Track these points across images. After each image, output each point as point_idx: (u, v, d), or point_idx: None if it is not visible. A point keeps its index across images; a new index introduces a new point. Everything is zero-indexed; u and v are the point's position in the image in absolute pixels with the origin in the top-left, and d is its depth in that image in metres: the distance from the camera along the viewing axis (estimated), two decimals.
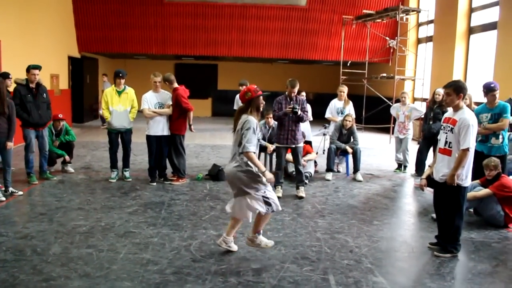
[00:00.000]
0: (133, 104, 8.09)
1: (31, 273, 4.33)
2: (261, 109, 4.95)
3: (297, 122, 7.29)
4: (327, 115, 9.79)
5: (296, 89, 7.28)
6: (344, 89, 9.74)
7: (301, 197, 7.34)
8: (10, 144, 6.80)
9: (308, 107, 9.49)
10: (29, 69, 7.53)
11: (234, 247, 5.00)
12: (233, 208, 4.92)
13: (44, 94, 7.76)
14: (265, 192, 4.78)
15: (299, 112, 7.11)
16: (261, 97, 4.94)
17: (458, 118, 4.90)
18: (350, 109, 9.61)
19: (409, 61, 16.57)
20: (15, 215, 6.19)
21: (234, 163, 4.79)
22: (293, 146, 7.39)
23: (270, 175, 4.73)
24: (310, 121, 9.66)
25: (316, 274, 4.52)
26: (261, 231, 5.00)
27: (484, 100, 6.94)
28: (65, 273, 4.35)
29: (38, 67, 7.59)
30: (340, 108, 9.59)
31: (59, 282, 4.17)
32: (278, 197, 7.03)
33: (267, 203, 4.78)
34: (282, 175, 7.69)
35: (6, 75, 8.00)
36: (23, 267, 4.47)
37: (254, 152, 4.71)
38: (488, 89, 6.74)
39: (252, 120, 4.75)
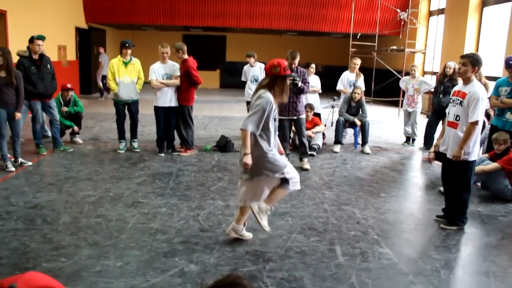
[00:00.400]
0: (139, 75, 8.04)
1: (42, 242, 4.40)
2: (286, 90, 4.36)
3: (298, 94, 7.21)
4: (339, 87, 9.72)
5: (296, 61, 7.20)
6: (357, 62, 9.67)
7: (306, 169, 7.32)
8: (18, 115, 6.82)
9: (317, 79, 9.47)
10: (32, 39, 7.45)
11: (247, 235, 4.61)
12: (244, 195, 4.43)
13: (48, 65, 7.71)
14: (283, 174, 4.30)
15: (300, 83, 7.03)
16: (288, 79, 4.42)
17: (468, 91, 4.85)
18: (361, 82, 9.55)
19: (420, 34, 16.32)
20: (25, 185, 6.26)
21: None
22: (295, 117, 7.33)
23: (247, 160, 4.17)
24: (319, 94, 9.64)
25: (322, 244, 4.55)
26: (270, 207, 4.49)
27: (501, 74, 6.82)
28: (74, 242, 4.41)
29: (42, 38, 7.52)
30: (353, 81, 9.53)
31: (69, 250, 4.24)
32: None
33: (285, 181, 4.33)
34: (288, 146, 7.64)
35: None
36: (33, 235, 4.53)
37: (258, 134, 4.24)
38: (508, 65, 6.59)
39: (268, 97, 4.20)
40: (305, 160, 7.46)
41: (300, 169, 7.29)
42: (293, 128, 8.30)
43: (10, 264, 3.94)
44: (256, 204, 4.36)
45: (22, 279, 1.16)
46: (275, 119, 4.32)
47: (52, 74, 7.75)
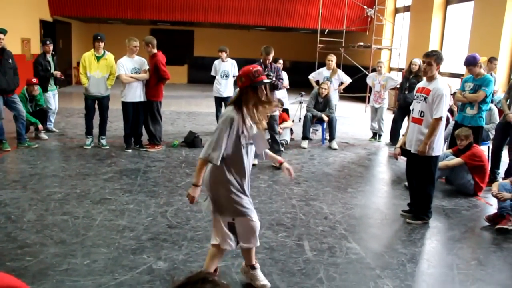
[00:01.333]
0: (111, 71, 7.87)
1: (6, 241, 4.30)
2: (264, 101, 3.46)
3: (271, 90, 7.20)
4: (311, 76, 9.88)
5: (271, 56, 7.20)
6: (332, 58, 9.79)
7: (278, 167, 7.27)
8: None
9: (285, 75, 9.50)
10: None
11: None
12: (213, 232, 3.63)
13: (10, 60, 7.49)
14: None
15: (273, 78, 7.03)
16: (263, 85, 3.44)
17: (432, 87, 4.96)
18: (342, 76, 9.70)
19: (386, 30, 16.59)
20: None
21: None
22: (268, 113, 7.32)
23: (192, 193, 3.52)
24: (286, 89, 9.68)
25: (291, 240, 4.60)
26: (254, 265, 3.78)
27: (464, 71, 7.02)
28: (40, 240, 4.33)
29: (3, 31, 7.29)
30: (327, 77, 9.63)
31: (34, 249, 4.16)
32: (253, 165, 7.07)
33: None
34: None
35: None
36: None
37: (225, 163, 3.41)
38: (466, 63, 6.79)
39: (229, 115, 3.34)
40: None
41: (272, 166, 7.29)
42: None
43: None
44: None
45: None
46: (248, 144, 3.44)
47: (14, 69, 7.54)
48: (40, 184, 6.04)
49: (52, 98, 9.17)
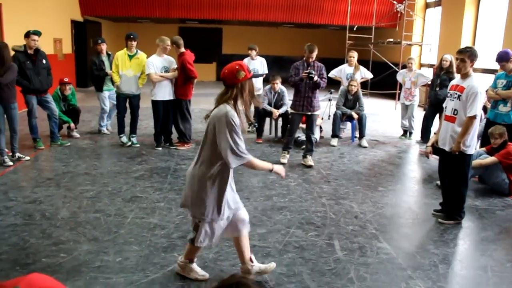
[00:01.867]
0: (143, 70, 7.92)
1: (41, 237, 4.40)
2: (253, 93, 3.55)
3: (314, 89, 7.03)
4: (331, 73, 9.65)
5: (314, 55, 7.00)
6: (354, 55, 9.63)
7: (309, 166, 7.23)
8: None
9: None
10: (28, 34, 7.37)
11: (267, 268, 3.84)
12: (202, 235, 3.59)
13: (44, 60, 7.65)
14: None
15: (315, 78, 6.86)
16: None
17: (466, 85, 4.85)
18: (364, 73, 9.57)
19: (416, 26, 16.31)
20: (23, 180, 6.25)
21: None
22: (309, 113, 7.19)
23: (279, 169, 3.68)
24: None
25: (321, 239, 4.58)
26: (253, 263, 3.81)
27: (498, 67, 6.86)
28: (73, 237, 4.42)
29: (38, 33, 7.45)
30: (350, 74, 9.52)
31: (68, 246, 4.24)
32: (283, 164, 7.07)
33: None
34: (292, 141, 7.60)
35: None
36: (32, 231, 4.54)
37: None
38: (498, 59, 6.64)
39: (232, 113, 3.35)
40: (309, 157, 7.35)
41: (303, 165, 7.24)
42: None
43: (10, 260, 3.94)
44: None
45: (25, 281, 1.16)
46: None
47: (47, 69, 7.69)
48: (73, 182, 6.15)
49: (107, 99, 8.95)
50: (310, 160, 7.31)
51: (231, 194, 3.61)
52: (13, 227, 4.62)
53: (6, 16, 10.80)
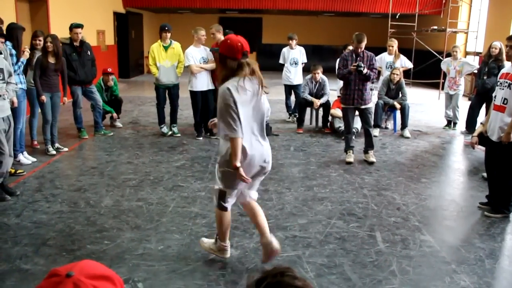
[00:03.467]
0: (180, 59, 8.02)
1: (86, 224, 4.52)
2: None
3: (364, 81, 6.64)
4: None
5: (363, 44, 6.64)
6: (394, 43, 9.44)
7: (371, 162, 6.80)
8: (65, 99, 7.04)
9: None
10: (71, 28, 7.56)
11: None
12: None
13: (89, 52, 7.83)
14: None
15: (365, 70, 6.50)
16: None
17: None
18: (404, 62, 9.37)
19: (462, 12, 15.78)
20: (69, 168, 6.43)
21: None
22: (361, 107, 6.79)
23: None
24: None
25: (362, 230, 4.51)
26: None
27: None
28: (117, 225, 4.51)
29: (80, 26, 7.61)
30: (390, 63, 9.33)
31: (111, 233, 4.34)
32: (349, 163, 6.82)
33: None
34: (353, 139, 7.08)
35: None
36: (78, 218, 4.66)
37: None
38: None
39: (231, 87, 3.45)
40: (371, 152, 6.92)
41: (365, 161, 6.92)
42: (336, 112, 8.22)
43: (57, 246, 4.07)
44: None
45: (78, 267, 1.19)
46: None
47: (92, 61, 7.87)
48: (116, 170, 6.28)
49: None
50: (372, 156, 6.89)
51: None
52: (59, 214, 4.76)
53: (52, 9, 11.08)
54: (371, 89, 10.74)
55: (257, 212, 3.82)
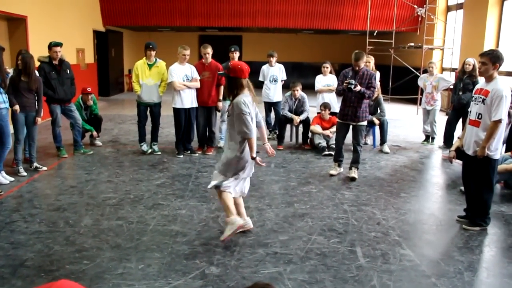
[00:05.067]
0: (163, 78, 8.01)
1: (65, 244, 4.46)
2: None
3: (360, 98, 6.68)
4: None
5: (360, 62, 6.68)
6: (370, 60, 9.54)
7: (352, 178, 6.86)
8: (39, 120, 6.92)
9: (334, 78, 9.35)
10: (50, 46, 7.52)
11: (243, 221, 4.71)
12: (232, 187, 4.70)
13: (68, 70, 7.78)
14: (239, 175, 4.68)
15: (357, 88, 6.53)
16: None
17: (491, 88, 4.77)
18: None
19: (438, 30, 16.14)
20: (47, 187, 6.35)
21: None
22: (353, 123, 6.86)
23: (259, 159, 4.76)
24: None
25: (343, 246, 4.54)
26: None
27: None
28: (96, 244, 4.46)
29: (59, 44, 7.58)
30: None
31: (91, 252, 4.28)
32: (331, 175, 7.02)
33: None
34: (340, 152, 7.18)
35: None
36: (57, 238, 4.60)
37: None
38: None
39: (249, 100, 4.52)
40: (354, 169, 6.98)
41: (348, 178, 6.95)
42: (316, 128, 8.28)
43: (35, 266, 4.00)
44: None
45: (55, 286, 1.18)
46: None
47: (71, 79, 7.82)
48: (96, 189, 6.22)
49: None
50: (354, 172, 6.94)
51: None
52: (37, 234, 4.69)
53: (31, 28, 11.02)
54: None
55: (240, 204, 4.84)
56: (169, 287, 3.69)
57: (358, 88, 6.55)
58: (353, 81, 6.55)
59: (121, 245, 4.46)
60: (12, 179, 6.48)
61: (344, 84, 6.63)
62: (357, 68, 6.74)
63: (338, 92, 6.97)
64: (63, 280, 1.23)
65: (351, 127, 6.99)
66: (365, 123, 7.00)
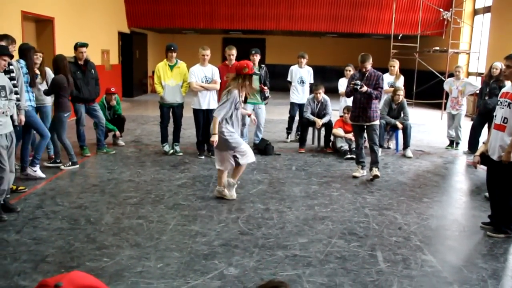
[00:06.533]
0: (185, 78, 8.05)
1: (85, 241, 4.50)
2: (251, 86, 5.94)
3: (368, 99, 6.82)
4: None
5: (366, 64, 6.82)
6: (395, 64, 9.49)
7: (375, 176, 6.90)
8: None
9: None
10: (76, 47, 7.69)
11: (229, 195, 5.86)
12: (218, 161, 5.88)
13: (93, 70, 7.92)
14: (234, 152, 5.72)
15: (363, 89, 6.66)
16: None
17: None
18: (400, 83, 9.36)
19: (464, 33, 15.90)
20: (70, 186, 6.43)
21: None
22: (365, 124, 6.98)
23: (214, 139, 5.56)
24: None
25: (363, 250, 4.48)
26: (235, 181, 5.92)
27: None
28: (117, 242, 4.49)
29: (85, 45, 7.73)
30: (391, 83, 9.36)
31: (111, 250, 4.32)
32: (354, 177, 7.07)
33: (237, 158, 5.75)
34: (363, 154, 7.24)
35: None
36: (78, 235, 4.65)
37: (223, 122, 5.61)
38: None
39: (235, 93, 5.59)
40: (375, 169, 6.97)
41: (370, 180, 6.95)
42: (338, 131, 8.25)
43: (56, 262, 4.05)
44: (226, 179, 5.87)
45: (67, 278, 1.19)
46: (237, 108, 5.68)
47: (96, 79, 7.95)
48: (117, 188, 6.28)
49: (250, 111, 8.02)
50: (375, 171, 6.94)
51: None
52: (59, 230, 4.75)
53: (58, 29, 11.22)
54: None
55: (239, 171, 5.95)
56: (187, 287, 3.70)
57: (365, 88, 6.70)
58: (359, 82, 6.71)
59: (141, 244, 4.48)
60: (44, 175, 6.68)
61: (351, 85, 6.83)
62: (364, 70, 6.89)
63: (347, 94, 7.20)
64: (76, 271, 1.24)
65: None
66: (377, 122, 7.08)
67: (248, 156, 5.81)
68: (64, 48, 9.99)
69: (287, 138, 9.79)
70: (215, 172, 7.10)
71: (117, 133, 8.90)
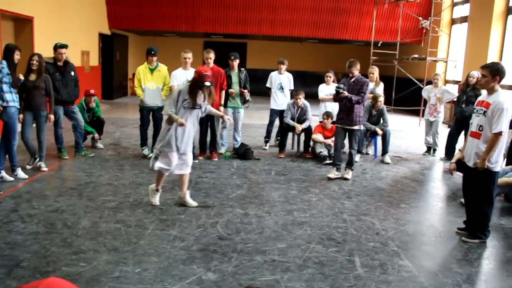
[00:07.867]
0: (165, 82, 8.02)
1: (62, 246, 4.44)
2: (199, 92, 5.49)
3: (352, 103, 7.10)
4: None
5: (353, 69, 7.17)
6: (374, 71, 9.56)
7: (345, 179, 7.31)
8: (51, 117, 7.11)
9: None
10: (56, 48, 7.58)
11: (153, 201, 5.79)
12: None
13: (72, 72, 7.80)
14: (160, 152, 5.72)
15: (344, 94, 6.96)
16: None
17: (492, 101, 4.77)
18: (379, 90, 9.44)
19: (442, 42, 16.16)
20: (47, 189, 6.34)
21: None
22: (347, 127, 7.26)
23: (180, 120, 5.44)
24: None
25: (341, 255, 4.51)
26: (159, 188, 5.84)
27: None
28: (94, 247, 4.45)
29: (64, 46, 7.63)
30: (371, 89, 9.44)
31: (88, 255, 4.27)
32: (329, 178, 7.28)
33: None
34: (341, 157, 7.52)
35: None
36: (54, 239, 4.58)
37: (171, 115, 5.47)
38: None
39: (180, 90, 5.54)
40: (348, 170, 7.43)
41: (342, 178, 7.35)
42: (318, 137, 8.33)
43: (31, 267, 3.98)
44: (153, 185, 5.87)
45: (44, 284, 1.17)
46: (184, 107, 5.49)
47: (75, 81, 7.84)
48: (95, 192, 6.22)
49: (230, 115, 8.61)
50: (347, 174, 7.39)
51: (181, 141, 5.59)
52: (35, 235, 4.68)
53: (38, 29, 11.07)
54: None
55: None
56: None
57: (345, 94, 7.00)
58: (342, 86, 7.04)
59: (119, 249, 4.44)
60: (26, 176, 6.65)
61: (335, 88, 7.15)
62: (350, 75, 7.22)
63: (334, 98, 7.44)
64: (53, 278, 1.22)
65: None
66: (359, 127, 7.34)
67: (163, 162, 5.66)
68: (43, 48, 9.84)
69: (265, 146, 9.72)
70: (195, 177, 7.11)
71: (96, 135, 8.82)
